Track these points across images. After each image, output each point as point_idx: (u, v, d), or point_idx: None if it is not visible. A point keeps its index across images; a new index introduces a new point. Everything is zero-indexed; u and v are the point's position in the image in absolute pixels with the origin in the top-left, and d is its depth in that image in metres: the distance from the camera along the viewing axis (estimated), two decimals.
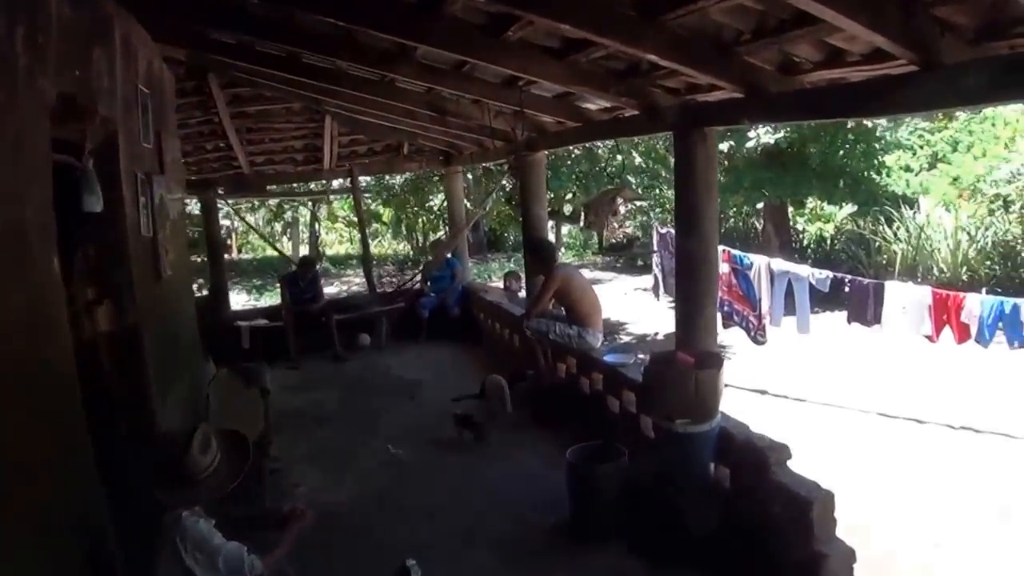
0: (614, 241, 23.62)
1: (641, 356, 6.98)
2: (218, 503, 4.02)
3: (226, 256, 23.24)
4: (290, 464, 7.17)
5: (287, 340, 10.93)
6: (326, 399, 9.27)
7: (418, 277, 13.12)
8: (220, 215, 13.99)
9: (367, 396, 9.29)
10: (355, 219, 19.18)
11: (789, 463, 4.76)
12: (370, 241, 24.40)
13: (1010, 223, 14.22)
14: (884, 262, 15.20)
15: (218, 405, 6.87)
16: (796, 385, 10.19)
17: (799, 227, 18.97)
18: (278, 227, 31.25)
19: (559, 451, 6.37)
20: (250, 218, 23.55)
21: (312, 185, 15.77)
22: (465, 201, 14.26)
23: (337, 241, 34.18)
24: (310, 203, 26.46)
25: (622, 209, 15.54)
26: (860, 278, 9.96)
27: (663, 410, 5.04)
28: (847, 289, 9.69)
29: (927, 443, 8.01)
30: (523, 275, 10.69)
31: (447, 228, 16.03)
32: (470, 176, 17.68)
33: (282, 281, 11.75)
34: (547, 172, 11.47)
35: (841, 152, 15.91)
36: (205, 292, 13.04)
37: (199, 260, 22.26)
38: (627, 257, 22.12)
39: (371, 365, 10.67)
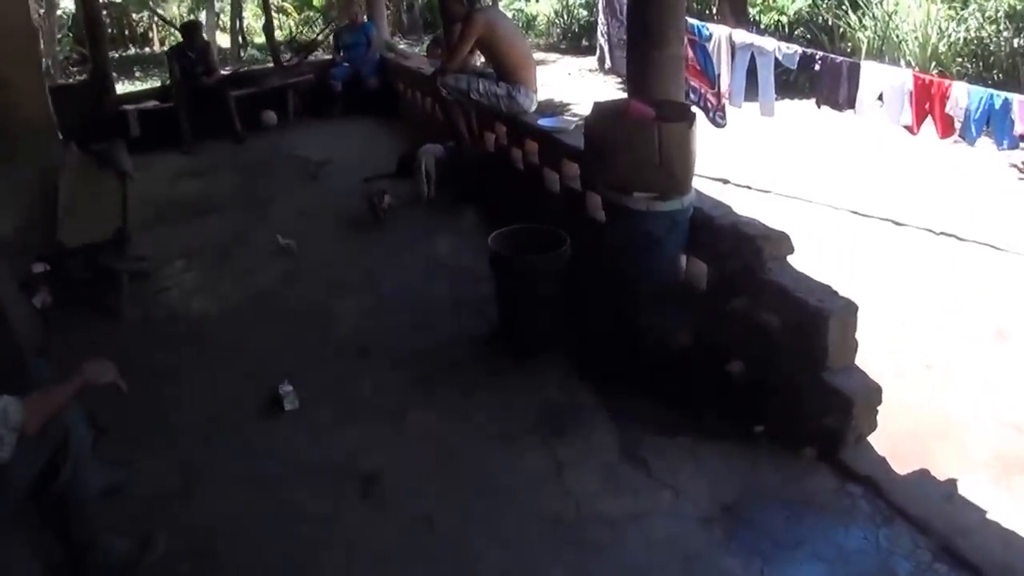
0: None
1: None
2: None
3: (147, 49, 21.16)
4: (160, 264, 5.85)
5: (180, 122, 9.36)
6: (216, 186, 7.84)
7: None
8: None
9: (264, 180, 7.87)
10: (285, 5, 16.91)
11: (791, 259, 3.50)
12: (303, 28, 22.06)
13: (984, 19, 12.65)
14: (848, 50, 13.70)
15: (68, 196, 5.49)
16: (760, 175, 8.90)
17: (751, 19, 17.25)
18: (203, 16, 28.64)
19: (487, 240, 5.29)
20: (173, 9, 20.92)
21: None
22: None
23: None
24: None
25: None
26: (833, 56, 8.61)
27: (615, 180, 3.69)
28: (817, 68, 8.43)
29: (907, 248, 6.88)
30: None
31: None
32: None
33: (170, 55, 9.87)
34: None
35: None
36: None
37: (118, 56, 20.35)
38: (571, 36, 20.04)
39: (274, 146, 9.16)
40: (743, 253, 3.46)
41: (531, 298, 4.12)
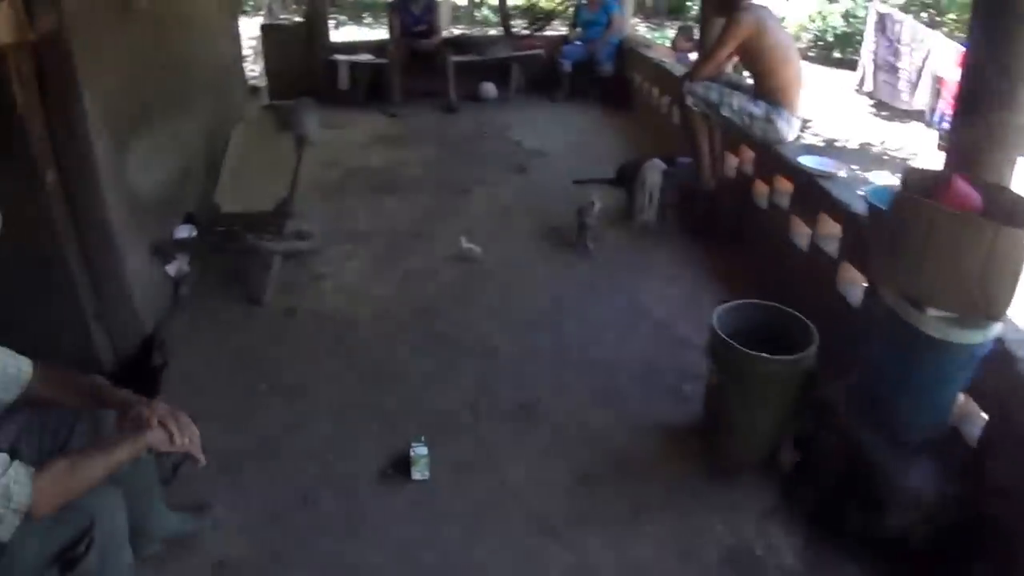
0: None
1: (851, 169, 4.41)
2: None
3: None
4: (325, 245, 5.16)
5: (391, 81, 8.79)
6: (414, 159, 7.14)
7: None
8: None
9: (467, 162, 7.08)
10: None
11: None
12: None
13: None
14: None
15: (236, 155, 4.91)
16: None
17: None
18: None
19: (709, 292, 4.40)
20: None
21: None
22: None
23: None
24: None
25: None
26: None
27: (908, 286, 2.58)
28: None
29: None
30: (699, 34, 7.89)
31: None
32: None
33: (391, 7, 9.23)
34: None
35: None
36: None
37: None
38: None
39: (487, 122, 8.34)
40: None
41: (752, 404, 3.06)
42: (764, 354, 2.95)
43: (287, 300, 4.51)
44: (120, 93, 3.92)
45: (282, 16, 14.73)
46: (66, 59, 3.45)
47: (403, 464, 3.14)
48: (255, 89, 7.49)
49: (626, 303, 4.49)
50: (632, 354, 3.97)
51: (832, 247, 3.89)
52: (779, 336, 3.12)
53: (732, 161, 5.38)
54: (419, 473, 3.12)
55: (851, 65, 14.27)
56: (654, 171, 5.32)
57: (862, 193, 3.59)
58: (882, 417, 2.75)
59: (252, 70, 11.77)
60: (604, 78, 9.10)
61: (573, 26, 9.69)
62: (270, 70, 9.45)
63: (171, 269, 4.43)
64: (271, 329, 4.26)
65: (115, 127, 3.86)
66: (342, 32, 15.98)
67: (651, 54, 8.31)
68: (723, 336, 2.99)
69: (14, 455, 2.20)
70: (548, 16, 11.81)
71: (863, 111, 12.57)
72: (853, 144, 10.58)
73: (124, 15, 3.95)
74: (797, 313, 3.15)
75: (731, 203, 5.22)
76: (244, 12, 17.34)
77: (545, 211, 5.76)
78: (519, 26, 11.63)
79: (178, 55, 4.76)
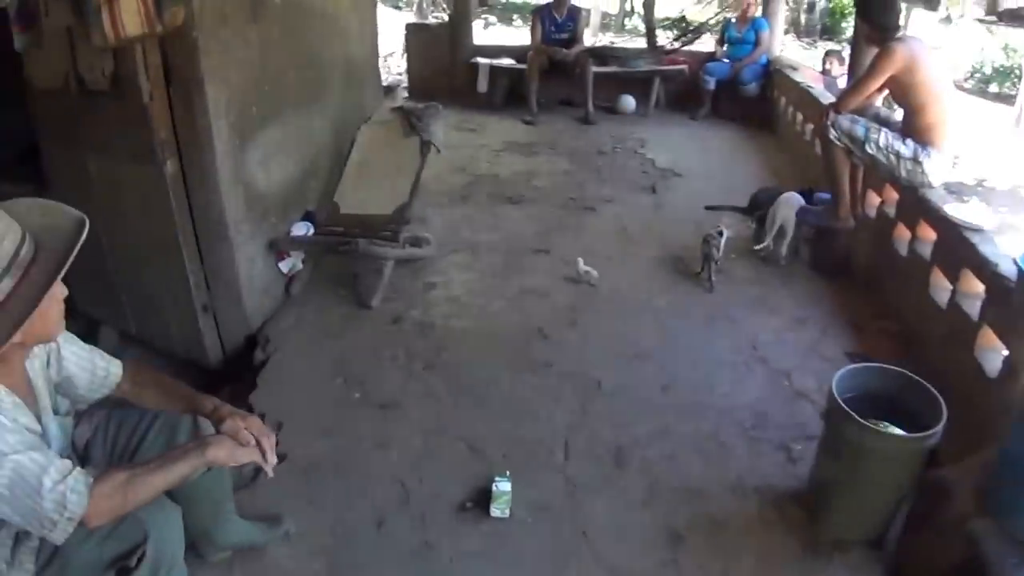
0: None
1: (1000, 212, 4.03)
2: None
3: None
4: (444, 252, 5.12)
5: (528, 88, 8.71)
6: (543, 170, 7.03)
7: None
8: None
9: (596, 176, 6.91)
10: None
11: None
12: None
13: None
14: None
15: (361, 156, 4.90)
16: None
17: None
18: None
19: (835, 341, 4.19)
20: None
21: None
22: None
23: None
24: None
25: None
26: None
27: None
28: None
29: None
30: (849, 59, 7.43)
31: None
32: None
33: (535, 14, 9.09)
34: None
35: None
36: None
37: (503, 1, 20.15)
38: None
39: (621, 137, 8.11)
40: None
41: (865, 478, 2.77)
42: (886, 425, 2.70)
43: (395, 307, 4.46)
44: (246, 88, 3.94)
45: (433, 15, 14.89)
46: (192, 53, 3.49)
47: (484, 498, 3.01)
48: (389, 89, 7.51)
49: (744, 345, 4.21)
50: (743, 403, 3.70)
51: (973, 308, 3.54)
52: (903, 405, 2.85)
53: (874, 200, 5.02)
54: (498, 510, 2.98)
55: (1009, 100, 13.46)
56: (788, 204, 5.02)
57: (1013, 256, 3.25)
58: (1006, 510, 2.45)
59: (398, 66, 11.95)
60: (748, 98, 8.75)
61: (720, 42, 9.35)
62: (412, 68, 9.56)
63: (284, 266, 4.45)
64: (375, 335, 4.21)
65: (239, 122, 3.88)
66: (490, 33, 16.04)
67: (798, 77, 7.91)
68: (840, 402, 2.73)
69: (86, 451, 2.21)
70: (696, 30, 11.44)
71: (1019, 150, 11.77)
72: (1004, 184, 9.89)
73: (254, 11, 3.95)
74: (926, 384, 2.85)
75: (869, 246, 4.89)
76: (397, 8, 17.70)
77: (671, 236, 5.53)
78: (666, 39, 11.34)
79: (309, 52, 4.75)
